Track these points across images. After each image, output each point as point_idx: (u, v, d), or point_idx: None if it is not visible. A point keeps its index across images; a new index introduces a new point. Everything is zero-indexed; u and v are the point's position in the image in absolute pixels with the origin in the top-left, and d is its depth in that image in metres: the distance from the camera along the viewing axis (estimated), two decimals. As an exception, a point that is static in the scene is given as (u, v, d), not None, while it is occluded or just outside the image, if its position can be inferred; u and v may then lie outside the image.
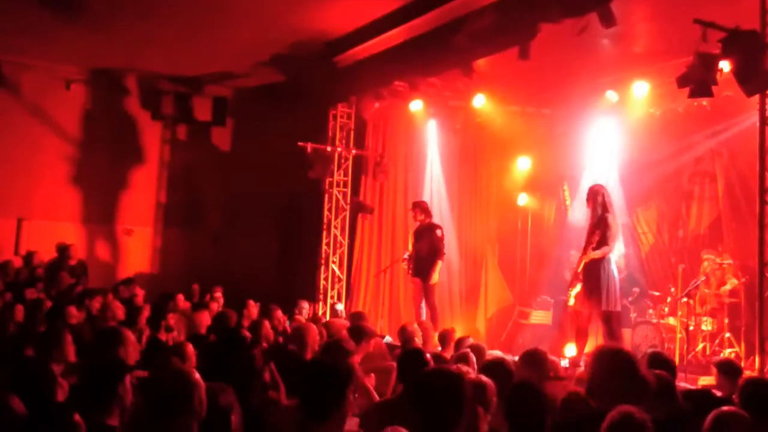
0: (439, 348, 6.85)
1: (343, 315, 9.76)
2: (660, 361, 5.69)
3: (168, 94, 12.60)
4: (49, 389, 3.83)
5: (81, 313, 7.17)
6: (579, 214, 10.36)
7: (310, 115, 11.66)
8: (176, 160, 13.15)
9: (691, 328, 9.01)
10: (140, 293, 9.47)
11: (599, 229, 7.86)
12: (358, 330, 6.29)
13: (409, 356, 4.47)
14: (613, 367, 3.58)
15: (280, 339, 7.07)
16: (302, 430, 2.93)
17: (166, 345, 6.42)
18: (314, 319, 8.89)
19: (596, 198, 8.14)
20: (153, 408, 3.08)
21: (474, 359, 5.23)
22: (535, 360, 4.77)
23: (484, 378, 4.10)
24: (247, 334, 5.65)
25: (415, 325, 7.21)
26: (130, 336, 4.77)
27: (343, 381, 3.08)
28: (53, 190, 12.06)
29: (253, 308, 8.63)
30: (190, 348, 5.33)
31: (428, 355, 4.43)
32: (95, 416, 3.44)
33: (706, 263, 9.52)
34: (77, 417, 2.96)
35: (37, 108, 11.91)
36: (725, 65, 6.41)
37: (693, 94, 6.53)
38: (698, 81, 6.30)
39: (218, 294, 10.24)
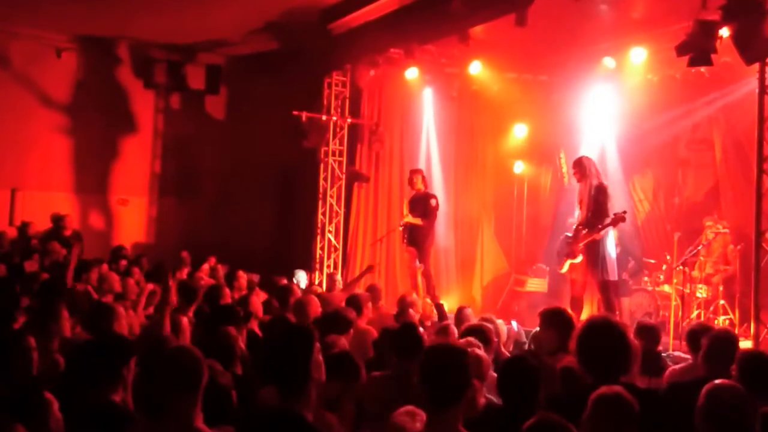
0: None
1: (341, 285, 9.77)
2: (646, 330, 5.75)
3: (160, 63, 12.43)
4: (24, 365, 3.79)
5: (85, 286, 7.12)
6: (575, 181, 10.33)
7: (305, 83, 11.54)
8: (170, 129, 13.03)
9: (687, 291, 9.04)
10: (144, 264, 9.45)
11: (600, 198, 7.82)
12: (355, 300, 6.34)
13: (403, 331, 4.49)
14: (600, 339, 3.54)
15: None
16: (283, 402, 2.91)
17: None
18: (308, 289, 8.89)
19: (589, 167, 8.11)
20: (159, 384, 3.08)
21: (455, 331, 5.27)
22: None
23: (479, 352, 4.13)
24: (239, 309, 5.62)
25: (414, 296, 7.26)
26: (123, 311, 4.78)
27: (303, 350, 2.97)
28: (46, 160, 11.97)
29: (243, 279, 8.57)
30: (185, 321, 5.34)
31: (421, 329, 4.44)
32: (98, 393, 3.46)
33: (708, 231, 9.52)
34: (47, 395, 2.95)
35: (27, 77, 11.75)
36: (724, 32, 6.34)
37: (692, 63, 6.46)
38: (698, 49, 6.23)
39: (219, 266, 10.19)
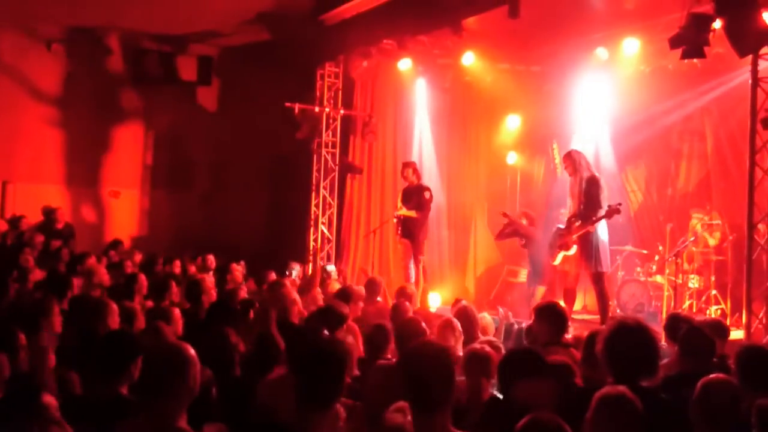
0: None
1: (335, 276, 9.77)
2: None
3: (152, 54, 12.35)
4: (15, 361, 3.78)
5: (80, 280, 7.07)
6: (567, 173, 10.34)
7: (297, 74, 11.49)
8: (162, 120, 12.95)
9: (679, 282, 9.07)
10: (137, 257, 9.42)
11: (593, 190, 7.84)
12: (345, 293, 6.35)
13: (405, 326, 4.48)
14: (632, 343, 3.39)
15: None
16: (300, 418, 2.84)
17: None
18: (308, 279, 8.88)
19: (579, 160, 8.12)
20: (145, 383, 3.07)
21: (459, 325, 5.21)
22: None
23: (487, 348, 4.12)
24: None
25: (412, 287, 7.26)
26: (114, 307, 4.77)
27: (341, 369, 2.91)
28: (37, 152, 11.89)
29: (237, 272, 8.55)
30: (177, 312, 5.31)
31: (423, 324, 4.43)
32: (107, 386, 3.48)
33: (695, 221, 9.56)
34: (47, 398, 2.91)
35: (17, 69, 11.65)
36: (717, 24, 6.33)
37: (685, 56, 6.46)
38: (691, 42, 6.23)
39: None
